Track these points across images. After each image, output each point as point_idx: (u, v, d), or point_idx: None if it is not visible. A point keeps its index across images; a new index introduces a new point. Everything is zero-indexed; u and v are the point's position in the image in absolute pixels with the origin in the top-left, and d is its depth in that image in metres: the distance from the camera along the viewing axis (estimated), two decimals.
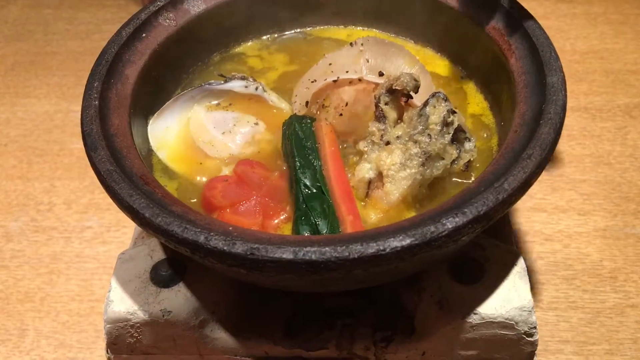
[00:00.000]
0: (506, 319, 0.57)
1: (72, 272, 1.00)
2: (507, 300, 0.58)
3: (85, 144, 0.56)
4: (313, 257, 0.46)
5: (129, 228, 1.05)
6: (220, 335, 0.59)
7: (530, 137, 0.54)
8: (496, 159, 0.54)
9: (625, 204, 1.06)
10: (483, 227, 0.50)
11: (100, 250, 1.03)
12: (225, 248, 0.47)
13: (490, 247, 0.61)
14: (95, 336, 0.93)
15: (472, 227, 0.48)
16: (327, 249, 0.47)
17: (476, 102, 0.70)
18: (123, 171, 0.53)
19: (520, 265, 0.60)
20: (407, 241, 0.47)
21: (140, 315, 0.58)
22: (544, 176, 1.10)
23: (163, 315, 0.57)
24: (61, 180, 1.13)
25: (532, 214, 1.04)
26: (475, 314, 0.57)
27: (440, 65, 0.74)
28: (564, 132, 1.15)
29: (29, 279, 0.99)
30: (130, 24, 0.67)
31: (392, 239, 0.47)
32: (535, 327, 0.58)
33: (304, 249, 0.47)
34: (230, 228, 0.49)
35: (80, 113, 0.59)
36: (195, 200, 0.62)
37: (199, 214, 0.51)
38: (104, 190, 0.53)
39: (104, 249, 1.03)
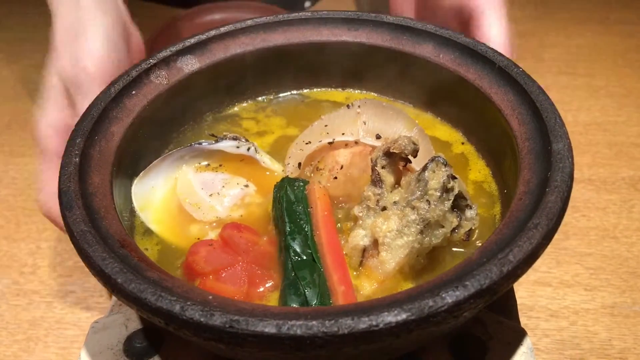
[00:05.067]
0: None
1: (50, 340, 0.95)
2: None
3: (60, 203, 0.52)
4: (298, 332, 0.42)
5: None
6: None
7: (536, 205, 0.50)
8: (500, 228, 0.50)
9: (634, 279, 1.02)
10: (486, 302, 0.46)
11: (83, 316, 0.98)
12: (202, 320, 0.43)
13: (492, 324, 0.57)
14: None
15: (474, 302, 0.44)
16: (314, 322, 0.42)
17: (478, 168, 0.67)
18: (98, 232, 0.50)
19: (526, 345, 0.55)
20: (402, 316, 0.42)
21: None
22: (548, 248, 1.07)
23: None
24: (48, 242, 1.09)
25: (536, 288, 1.00)
26: None
27: (440, 129, 0.72)
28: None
29: (6, 346, 0.94)
30: (120, 80, 0.65)
31: (386, 313, 0.42)
32: None
33: (289, 322, 0.42)
34: (210, 297, 0.45)
35: (59, 173, 0.56)
36: (177, 265, 0.58)
37: (177, 280, 0.47)
38: None
39: (87, 315, 0.98)
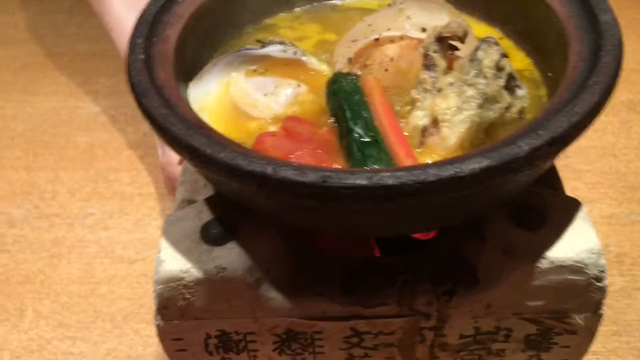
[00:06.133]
0: (576, 262, 0.55)
1: (73, 256, 0.98)
2: (575, 243, 0.56)
3: (135, 94, 0.54)
4: (389, 181, 0.44)
5: (132, 215, 1.07)
6: (276, 295, 0.56)
7: (592, 69, 0.53)
8: (559, 93, 0.53)
9: (631, 192, 1.06)
10: (557, 152, 0.49)
11: (102, 235, 1.01)
12: (295, 177, 0.45)
13: (549, 196, 0.60)
14: (94, 316, 0.91)
15: (548, 150, 0.47)
16: (402, 173, 0.45)
17: (519, 59, 0.69)
18: (177, 115, 0.51)
19: (583, 212, 0.58)
20: (484, 163, 0.45)
21: (194, 273, 0.54)
22: None
23: (218, 273, 0.54)
24: (66, 171, 1.12)
25: None
26: (543, 258, 0.55)
27: (477, 28, 0.73)
28: None
29: (30, 262, 0.97)
30: None
31: (470, 161, 0.45)
32: (604, 271, 0.56)
33: (379, 174, 0.45)
34: (294, 163, 0.47)
35: (128, 70, 0.56)
36: None
37: (259, 152, 0.49)
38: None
39: (106, 234, 1.01)
